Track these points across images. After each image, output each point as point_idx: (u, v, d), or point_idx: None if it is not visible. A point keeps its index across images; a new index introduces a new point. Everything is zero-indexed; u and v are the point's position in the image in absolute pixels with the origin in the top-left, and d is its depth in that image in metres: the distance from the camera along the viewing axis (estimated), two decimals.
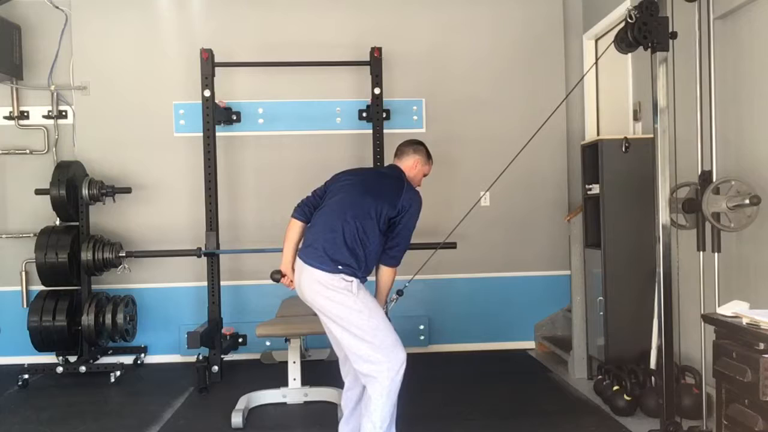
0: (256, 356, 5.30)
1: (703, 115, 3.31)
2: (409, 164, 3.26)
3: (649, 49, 3.19)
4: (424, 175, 3.35)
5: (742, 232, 3.31)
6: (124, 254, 5.01)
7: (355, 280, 2.98)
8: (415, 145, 3.33)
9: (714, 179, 3.24)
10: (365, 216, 3.01)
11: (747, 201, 3.05)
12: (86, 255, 4.91)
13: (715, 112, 3.29)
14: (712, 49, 3.27)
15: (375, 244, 3.04)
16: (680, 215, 3.40)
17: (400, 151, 3.32)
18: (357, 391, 3.18)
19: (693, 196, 3.31)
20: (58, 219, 5.12)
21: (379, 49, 5.03)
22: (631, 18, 3.15)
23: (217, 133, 5.06)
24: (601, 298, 4.27)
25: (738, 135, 3.45)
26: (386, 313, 3.11)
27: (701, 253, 3.31)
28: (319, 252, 2.98)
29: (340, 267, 2.96)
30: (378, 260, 3.13)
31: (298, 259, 3.09)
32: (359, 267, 3.01)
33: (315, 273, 2.98)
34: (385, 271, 3.15)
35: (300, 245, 3.17)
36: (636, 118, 4.71)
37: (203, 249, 4.90)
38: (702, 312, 3.19)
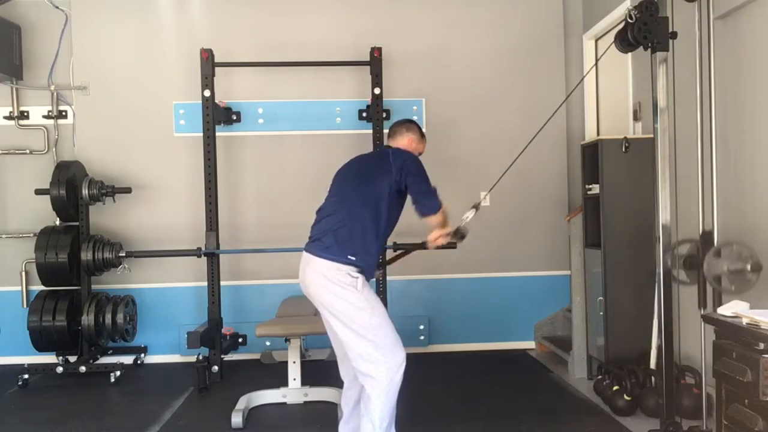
0: (256, 356, 5.30)
1: (703, 115, 3.31)
2: (404, 143, 3.26)
3: (649, 49, 3.19)
4: (419, 154, 3.32)
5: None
6: (124, 254, 5.01)
7: (361, 277, 2.97)
8: (407, 123, 3.32)
9: (715, 240, 3.19)
10: (364, 203, 3.00)
11: (748, 267, 3.00)
12: (86, 255, 4.91)
13: (715, 113, 3.29)
14: (712, 49, 3.27)
15: (380, 226, 3.02)
16: (681, 271, 3.35)
17: (392, 132, 3.32)
18: (356, 390, 3.17)
19: (694, 252, 3.26)
20: (58, 219, 5.12)
21: (379, 49, 5.03)
22: (631, 18, 3.15)
23: (217, 133, 5.06)
24: (601, 298, 4.27)
25: (738, 134, 3.45)
26: (460, 234, 3.14)
27: None
28: (328, 243, 2.97)
29: (350, 257, 2.94)
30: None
31: (303, 252, 3.08)
32: (369, 253, 2.98)
33: (320, 265, 2.96)
34: (430, 220, 3.09)
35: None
36: (636, 118, 4.71)
37: (203, 249, 4.90)
38: (702, 312, 3.18)
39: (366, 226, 2.99)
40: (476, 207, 3.29)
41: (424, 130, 5.37)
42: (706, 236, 3.21)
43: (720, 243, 3.20)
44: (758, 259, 3.02)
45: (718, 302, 3.17)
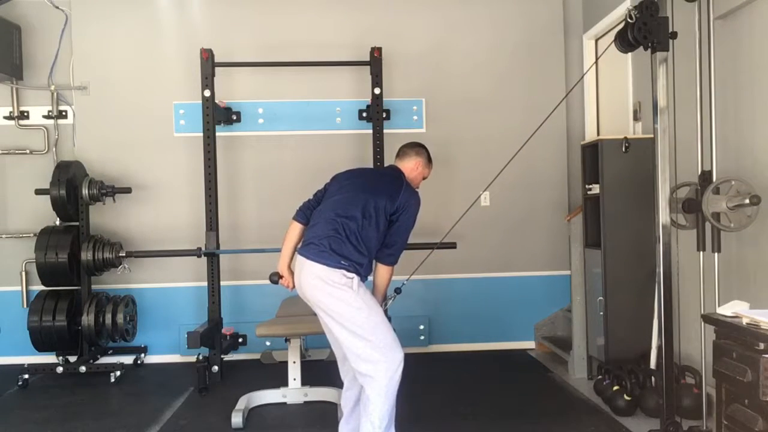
0: (256, 356, 5.30)
1: (703, 115, 3.31)
2: (410, 166, 3.29)
3: (649, 49, 3.20)
4: (424, 178, 3.37)
5: (742, 232, 3.31)
6: (124, 254, 5.01)
7: (356, 277, 2.98)
8: (417, 147, 3.35)
9: (714, 179, 3.24)
10: (364, 214, 3.03)
11: (747, 201, 3.05)
12: (86, 255, 4.91)
13: (715, 112, 3.29)
14: (712, 49, 3.27)
15: (374, 242, 3.06)
16: (680, 215, 3.40)
17: (402, 152, 3.34)
18: (356, 390, 3.18)
19: (693, 196, 3.31)
20: (58, 219, 5.12)
21: (379, 49, 5.03)
22: (631, 18, 3.15)
23: (217, 133, 5.06)
24: (601, 298, 4.27)
25: (738, 135, 3.46)
26: (385, 312, 3.11)
27: (701, 253, 3.31)
28: (322, 248, 2.98)
29: (342, 262, 2.96)
30: (375, 259, 3.14)
31: (298, 256, 3.09)
32: (361, 264, 3.01)
33: (315, 268, 2.97)
34: (383, 270, 3.17)
35: (299, 245, 3.18)
36: (636, 118, 4.71)
37: (203, 249, 4.90)
38: (702, 312, 3.19)
39: (359, 237, 3.01)
40: (398, 292, 3.28)
41: (423, 129, 5.48)
42: (705, 176, 3.25)
43: (718, 180, 3.23)
44: (756, 192, 3.04)
45: (718, 244, 3.21)
